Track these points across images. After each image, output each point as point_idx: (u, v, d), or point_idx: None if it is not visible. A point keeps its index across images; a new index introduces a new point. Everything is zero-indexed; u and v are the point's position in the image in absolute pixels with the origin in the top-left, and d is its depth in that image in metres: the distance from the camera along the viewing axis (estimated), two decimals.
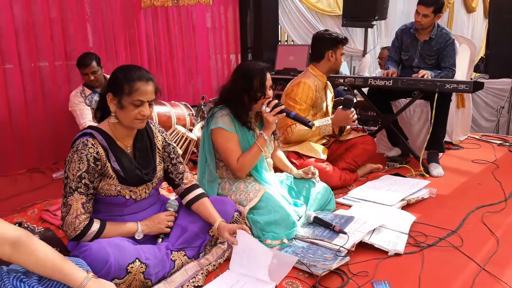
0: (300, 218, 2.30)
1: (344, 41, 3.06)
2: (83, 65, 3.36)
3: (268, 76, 2.29)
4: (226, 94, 2.31)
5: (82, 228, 1.69)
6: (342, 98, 3.24)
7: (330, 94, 3.25)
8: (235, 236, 1.83)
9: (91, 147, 1.71)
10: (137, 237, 1.83)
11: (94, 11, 3.94)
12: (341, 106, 2.92)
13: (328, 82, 3.21)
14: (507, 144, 3.99)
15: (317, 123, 2.91)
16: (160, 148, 1.97)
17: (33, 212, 2.60)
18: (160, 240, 1.89)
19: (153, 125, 1.99)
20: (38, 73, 3.57)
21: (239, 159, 2.24)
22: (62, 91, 3.74)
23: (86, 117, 3.36)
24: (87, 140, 1.72)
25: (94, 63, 3.36)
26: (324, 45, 3.04)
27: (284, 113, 2.27)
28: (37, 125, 3.60)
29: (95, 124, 1.78)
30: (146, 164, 1.88)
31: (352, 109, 2.91)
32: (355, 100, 3.00)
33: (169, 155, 1.99)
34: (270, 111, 2.23)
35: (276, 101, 2.26)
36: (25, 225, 2.22)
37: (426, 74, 3.29)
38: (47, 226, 2.34)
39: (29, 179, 3.31)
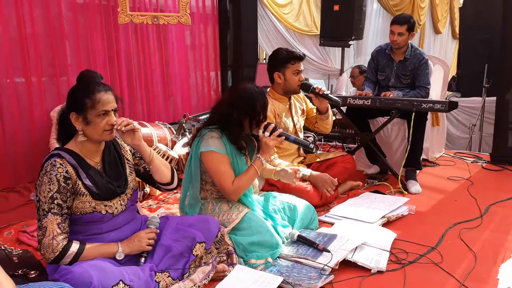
0: (287, 240, 2.29)
1: (293, 59, 2.84)
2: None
3: None
4: (222, 118, 2.22)
5: (60, 249, 1.66)
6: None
7: (299, 108, 3.14)
8: None
9: (60, 167, 1.71)
10: (118, 258, 1.80)
11: (72, 27, 3.90)
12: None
13: (296, 98, 3.13)
14: (480, 161, 4.12)
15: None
16: (130, 159, 2.00)
17: (9, 233, 2.52)
18: (143, 259, 1.86)
19: (119, 139, 2.00)
20: (14, 90, 3.49)
21: (235, 182, 2.19)
22: (39, 108, 3.67)
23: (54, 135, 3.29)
24: (54, 161, 1.72)
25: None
26: (270, 67, 2.95)
27: (283, 137, 2.26)
28: (12, 143, 3.51)
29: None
30: (117, 176, 1.90)
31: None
32: (313, 85, 2.92)
33: (141, 158, 2.01)
34: (270, 135, 2.22)
35: (273, 124, 2.25)
36: (2, 248, 2.15)
37: (392, 94, 3.42)
38: (25, 248, 2.28)
39: (5, 199, 3.20)
